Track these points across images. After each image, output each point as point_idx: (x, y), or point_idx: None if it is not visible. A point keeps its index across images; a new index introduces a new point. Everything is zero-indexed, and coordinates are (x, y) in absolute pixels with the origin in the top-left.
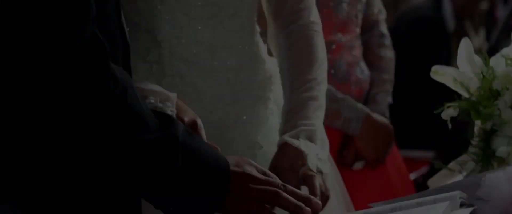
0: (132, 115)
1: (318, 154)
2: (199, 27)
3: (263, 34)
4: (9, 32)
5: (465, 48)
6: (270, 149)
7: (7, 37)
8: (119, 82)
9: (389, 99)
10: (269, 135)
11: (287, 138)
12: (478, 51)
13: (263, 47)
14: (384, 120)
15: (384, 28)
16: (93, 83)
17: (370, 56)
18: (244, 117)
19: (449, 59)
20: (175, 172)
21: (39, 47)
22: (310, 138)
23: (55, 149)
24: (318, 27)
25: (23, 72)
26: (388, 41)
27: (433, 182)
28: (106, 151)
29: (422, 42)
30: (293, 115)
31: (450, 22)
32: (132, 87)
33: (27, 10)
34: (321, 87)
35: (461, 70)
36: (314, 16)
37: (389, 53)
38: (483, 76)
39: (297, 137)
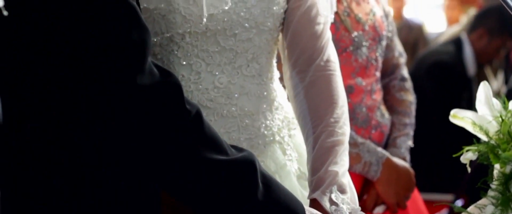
0: (209, 135)
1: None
2: (217, 73)
3: (283, 79)
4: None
5: (483, 91)
6: None
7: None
8: (192, 104)
9: (410, 143)
10: (287, 182)
11: (318, 196)
12: (497, 95)
13: (282, 93)
14: (404, 164)
15: (404, 72)
16: (175, 111)
17: (390, 100)
18: (262, 163)
19: (470, 104)
20: (257, 199)
21: (115, 98)
22: (341, 188)
23: (141, 173)
24: (335, 66)
25: (110, 120)
26: (408, 84)
27: None
28: (190, 171)
29: (443, 87)
30: (321, 163)
31: (471, 67)
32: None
33: (91, 64)
34: (345, 130)
35: (480, 114)
36: (331, 55)
37: (410, 97)
38: (502, 119)
39: (329, 192)
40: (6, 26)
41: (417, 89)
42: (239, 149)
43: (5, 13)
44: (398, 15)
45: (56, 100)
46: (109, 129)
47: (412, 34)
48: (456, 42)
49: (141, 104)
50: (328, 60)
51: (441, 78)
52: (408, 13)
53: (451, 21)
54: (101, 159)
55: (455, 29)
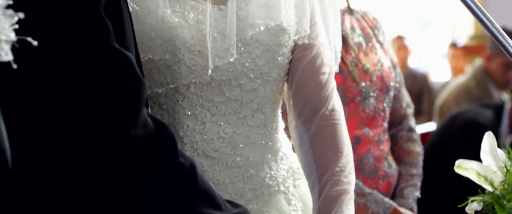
0: (203, 189)
1: None
2: (221, 123)
3: (288, 129)
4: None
5: (488, 142)
6: None
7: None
8: (186, 157)
9: (417, 193)
10: None
11: None
12: (501, 145)
13: (287, 143)
14: None
15: (412, 123)
16: (168, 164)
17: (398, 151)
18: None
19: None
20: None
21: (109, 147)
22: None
23: None
24: (340, 115)
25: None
26: (416, 135)
27: None
28: None
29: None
30: (326, 213)
31: (504, 137)
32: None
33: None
34: (350, 179)
35: (485, 164)
36: (336, 104)
37: (417, 148)
38: (507, 170)
39: None
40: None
41: (445, 141)
42: (234, 205)
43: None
44: (403, 65)
45: (46, 151)
46: (101, 181)
47: (417, 84)
48: (498, 108)
49: (134, 157)
50: (333, 110)
51: (473, 138)
52: (413, 63)
53: (456, 71)
54: (93, 212)
55: (461, 79)
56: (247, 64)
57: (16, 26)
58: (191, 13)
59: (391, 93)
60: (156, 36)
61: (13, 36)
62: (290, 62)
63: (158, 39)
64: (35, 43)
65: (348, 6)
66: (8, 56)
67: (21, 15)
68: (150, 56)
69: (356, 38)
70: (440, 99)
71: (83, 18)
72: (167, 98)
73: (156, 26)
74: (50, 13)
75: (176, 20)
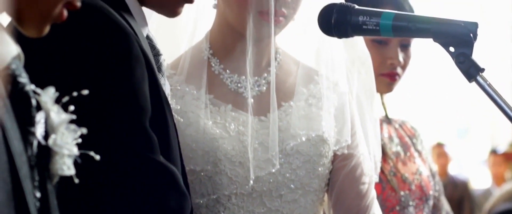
0: None
1: None
2: None
3: None
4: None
5: None
6: None
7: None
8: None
9: None
10: None
11: None
12: None
13: None
14: None
15: None
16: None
17: None
18: None
19: None
20: None
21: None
22: None
23: None
24: None
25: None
26: None
27: None
28: None
29: None
30: None
31: None
32: None
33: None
34: None
35: None
36: (376, 211)
37: None
38: None
39: None
40: None
41: None
42: None
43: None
44: (443, 172)
45: None
46: None
47: (457, 191)
48: None
49: None
50: None
51: None
52: (453, 170)
53: (496, 177)
54: None
55: (506, 186)
56: (287, 175)
57: (79, 141)
58: (232, 124)
59: (431, 202)
60: (198, 147)
61: (75, 151)
62: (330, 172)
63: (200, 150)
64: (97, 157)
65: (386, 115)
66: (71, 171)
67: (84, 130)
68: (192, 167)
69: (394, 147)
70: (486, 206)
71: (127, 131)
72: (208, 209)
73: (198, 138)
74: (96, 126)
75: (217, 131)
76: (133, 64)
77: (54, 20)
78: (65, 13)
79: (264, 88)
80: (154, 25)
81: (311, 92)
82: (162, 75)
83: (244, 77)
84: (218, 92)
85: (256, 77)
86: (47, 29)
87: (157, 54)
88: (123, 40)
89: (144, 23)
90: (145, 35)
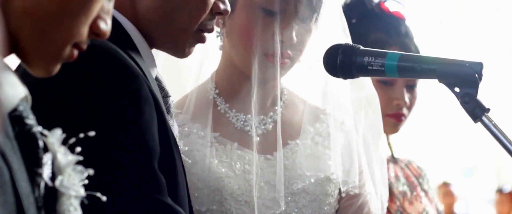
0: None
1: None
2: None
3: None
4: None
5: None
6: None
7: None
8: None
9: None
10: None
11: None
12: None
13: None
14: None
15: None
16: None
17: None
18: None
19: None
20: None
21: None
22: None
23: None
24: None
25: None
26: None
27: None
28: None
29: None
30: None
31: None
32: None
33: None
34: None
35: None
36: None
37: None
38: None
39: None
40: None
41: None
42: None
43: None
44: (450, 211)
45: None
46: None
47: None
48: None
49: None
50: None
51: None
52: (459, 209)
53: None
54: None
55: None
56: (293, 213)
57: (86, 182)
58: (238, 163)
59: None
60: (203, 186)
61: (82, 192)
62: (336, 211)
63: (205, 189)
64: (104, 198)
65: (392, 155)
66: (78, 212)
67: (91, 171)
68: (197, 208)
69: (401, 187)
70: None
71: (136, 172)
72: None
73: (203, 177)
74: (104, 167)
75: (223, 170)
76: (142, 105)
77: (64, 60)
78: (76, 53)
79: (270, 126)
80: (160, 65)
81: (317, 131)
82: (171, 117)
83: (250, 116)
84: (224, 131)
85: (262, 116)
86: (56, 69)
87: (166, 95)
88: (132, 81)
89: (153, 64)
90: (154, 77)
